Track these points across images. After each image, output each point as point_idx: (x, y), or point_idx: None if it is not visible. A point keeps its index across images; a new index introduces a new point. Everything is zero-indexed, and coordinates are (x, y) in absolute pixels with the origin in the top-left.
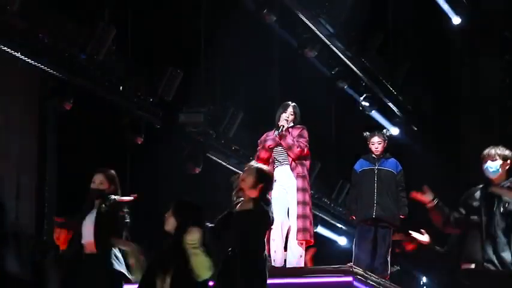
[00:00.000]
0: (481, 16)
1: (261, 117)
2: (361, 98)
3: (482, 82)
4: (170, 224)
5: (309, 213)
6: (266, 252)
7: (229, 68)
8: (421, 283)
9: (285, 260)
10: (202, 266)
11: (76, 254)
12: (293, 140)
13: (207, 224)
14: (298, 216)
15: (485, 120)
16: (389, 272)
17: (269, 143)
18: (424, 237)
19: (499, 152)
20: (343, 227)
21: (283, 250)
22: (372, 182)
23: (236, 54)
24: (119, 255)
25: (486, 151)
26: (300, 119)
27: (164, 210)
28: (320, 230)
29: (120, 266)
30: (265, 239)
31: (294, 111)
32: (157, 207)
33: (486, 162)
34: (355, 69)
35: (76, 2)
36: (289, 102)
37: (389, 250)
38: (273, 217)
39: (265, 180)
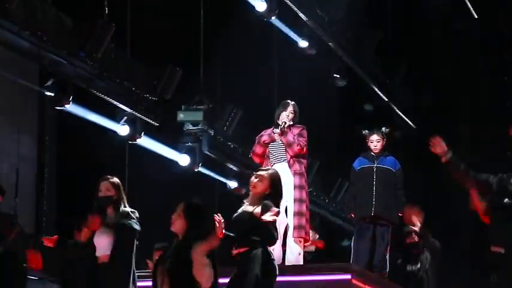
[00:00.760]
0: (480, 15)
1: (260, 115)
2: (360, 96)
3: (481, 82)
4: (178, 225)
5: (305, 211)
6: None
7: (228, 66)
8: None
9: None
10: (204, 276)
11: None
12: (294, 138)
13: (229, 233)
14: (295, 214)
15: (485, 120)
16: (387, 269)
17: (264, 138)
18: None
19: None
20: (342, 225)
21: (282, 248)
22: (371, 180)
23: (235, 52)
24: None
25: None
26: (299, 118)
27: (165, 210)
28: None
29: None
30: None
31: (294, 110)
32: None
33: None
34: (353, 67)
35: (75, 0)
36: (289, 101)
37: (388, 248)
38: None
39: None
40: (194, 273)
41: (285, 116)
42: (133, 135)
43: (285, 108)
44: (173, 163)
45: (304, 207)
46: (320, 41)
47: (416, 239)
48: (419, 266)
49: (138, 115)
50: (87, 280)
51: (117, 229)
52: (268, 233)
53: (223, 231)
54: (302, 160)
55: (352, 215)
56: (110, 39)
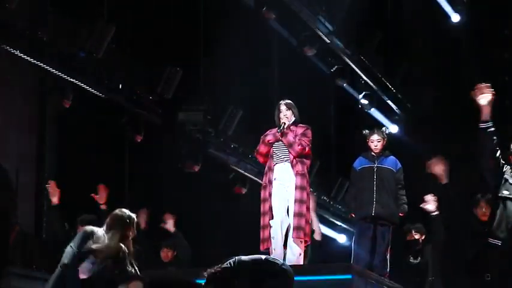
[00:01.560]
0: (480, 15)
1: (260, 116)
2: (360, 96)
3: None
4: None
5: (306, 212)
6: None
7: (229, 67)
8: None
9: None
10: None
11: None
12: (294, 138)
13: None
14: (295, 215)
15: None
16: (388, 269)
17: (269, 137)
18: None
19: None
20: (343, 225)
21: (283, 248)
22: (371, 180)
23: (235, 52)
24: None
25: None
26: (297, 112)
27: (165, 210)
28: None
29: None
30: (265, 237)
31: (287, 107)
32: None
33: None
34: (354, 67)
35: (75, 1)
36: (281, 101)
37: (389, 248)
38: None
39: None
40: None
41: (283, 116)
42: (134, 135)
43: (279, 109)
44: (174, 163)
45: (304, 208)
46: (320, 40)
47: (416, 236)
48: (419, 259)
49: (139, 115)
50: None
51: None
52: None
53: None
54: (305, 161)
55: (353, 215)
56: (110, 40)
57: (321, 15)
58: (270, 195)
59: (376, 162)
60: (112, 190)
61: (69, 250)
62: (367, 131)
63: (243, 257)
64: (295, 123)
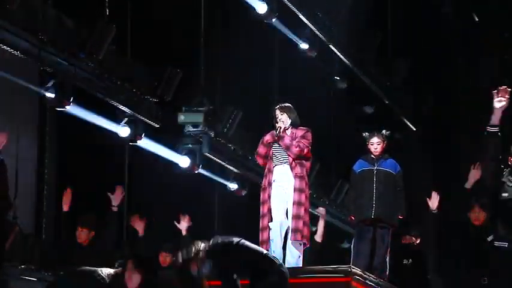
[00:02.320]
0: (480, 15)
1: (260, 117)
2: (361, 98)
3: (481, 81)
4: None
5: (304, 214)
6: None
7: (229, 68)
8: None
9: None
10: None
11: None
12: (291, 141)
13: None
14: (293, 217)
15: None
16: (387, 272)
17: (267, 138)
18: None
19: None
20: (342, 227)
21: (282, 250)
22: (371, 183)
23: (236, 53)
24: None
25: None
26: (295, 114)
27: (165, 211)
28: None
29: None
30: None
31: (281, 111)
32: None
33: None
34: (354, 69)
35: (76, 1)
36: (275, 106)
37: (388, 250)
38: None
39: None
40: None
41: (278, 121)
42: (134, 136)
43: (274, 115)
44: (173, 164)
45: (302, 210)
46: (321, 41)
47: (411, 240)
48: (411, 260)
49: (139, 116)
50: None
51: None
52: None
53: None
54: (304, 163)
55: (352, 218)
56: (111, 41)
57: (321, 16)
58: (269, 197)
59: (375, 165)
60: (112, 191)
61: None
62: (367, 133)
63: (247, 242)
64: (294, 126)
